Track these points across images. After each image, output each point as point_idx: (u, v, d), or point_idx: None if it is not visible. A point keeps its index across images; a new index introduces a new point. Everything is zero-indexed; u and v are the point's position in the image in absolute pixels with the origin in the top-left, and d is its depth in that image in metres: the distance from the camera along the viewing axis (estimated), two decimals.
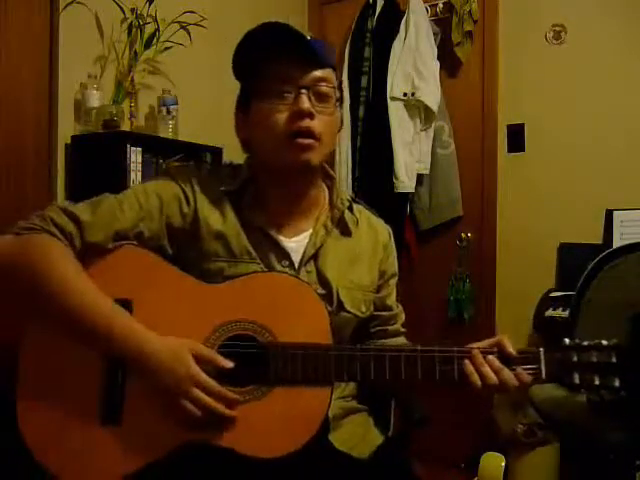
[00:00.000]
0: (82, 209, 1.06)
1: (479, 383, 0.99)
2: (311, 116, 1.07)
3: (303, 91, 1.07)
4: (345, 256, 1.18)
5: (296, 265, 1.14)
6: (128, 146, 2.02)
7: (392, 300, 1.28)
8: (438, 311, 2.90)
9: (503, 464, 2.08)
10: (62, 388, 1.01)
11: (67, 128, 2.09)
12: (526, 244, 2.73)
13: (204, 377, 0.97)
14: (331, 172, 1.21)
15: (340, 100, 1.14)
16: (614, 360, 0.98)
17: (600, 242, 2.48)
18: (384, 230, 1.28)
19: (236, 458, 0.97)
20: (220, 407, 0.97)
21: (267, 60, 1.08)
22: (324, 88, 1.09)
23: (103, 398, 1.00)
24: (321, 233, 1.16)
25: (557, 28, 2.67)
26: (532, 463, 2.20)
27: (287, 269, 1.12)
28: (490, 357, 1.01)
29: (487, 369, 1.00)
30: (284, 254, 1.13)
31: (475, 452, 2.20)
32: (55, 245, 1.01)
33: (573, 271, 2.04)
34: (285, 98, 1.07)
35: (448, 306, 2.86)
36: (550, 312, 2.39)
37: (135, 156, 2.05)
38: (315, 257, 1.15)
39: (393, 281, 1.28)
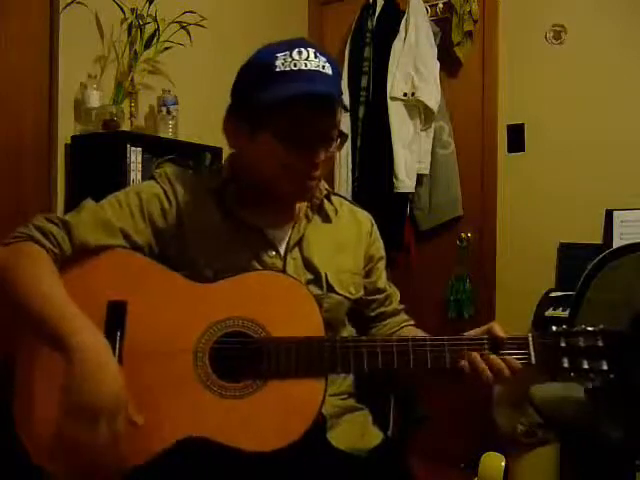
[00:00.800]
0: (67, 215, 1.10)
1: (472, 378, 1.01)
2: (318, 165, 1.08)
3: (318, 143, 1.06)
4: (329, 242, 1.21)
5: (282, 254, 1.16)
6: (128, 146, 2.02)
7: (383, 282, 1.31)
8: (438, 311, 2.90)
9: (503, 464, 2.08)
10: (59, 388, 1.00)
11: (67, 128, 2.08)
12: (526, 244, 2.74)
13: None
14: None
15: (342, 135, 1.12)
16: (600, 344, 1.00)
17: (600, 242, 2.48)
18: (366, 219, 1.31)
19: (233, 453, 0.97)
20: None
21: (286, 102, 1.02)
22: (333, 133, 1.09)
23: None
24: (303, 222, 1.19)
25: (557, 28, 2.67)
26: (532, 463, 2.20)
27: (274, 259, 1.14)
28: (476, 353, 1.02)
29: (480, 365, 1.01)
30: (270, 244, 1.15)
31: (475, 452, 2.20)
32: (31, 251, 1.02)
33: (573, 271, 2.04)
34: (297, 142, 1.05)
35: (448, 306, 2.86)
36: (550, 312, 2.38)
37: (135, 156, 2.05)
38: (299, 244, 1.18)
39: (381, 264, 1.31)
